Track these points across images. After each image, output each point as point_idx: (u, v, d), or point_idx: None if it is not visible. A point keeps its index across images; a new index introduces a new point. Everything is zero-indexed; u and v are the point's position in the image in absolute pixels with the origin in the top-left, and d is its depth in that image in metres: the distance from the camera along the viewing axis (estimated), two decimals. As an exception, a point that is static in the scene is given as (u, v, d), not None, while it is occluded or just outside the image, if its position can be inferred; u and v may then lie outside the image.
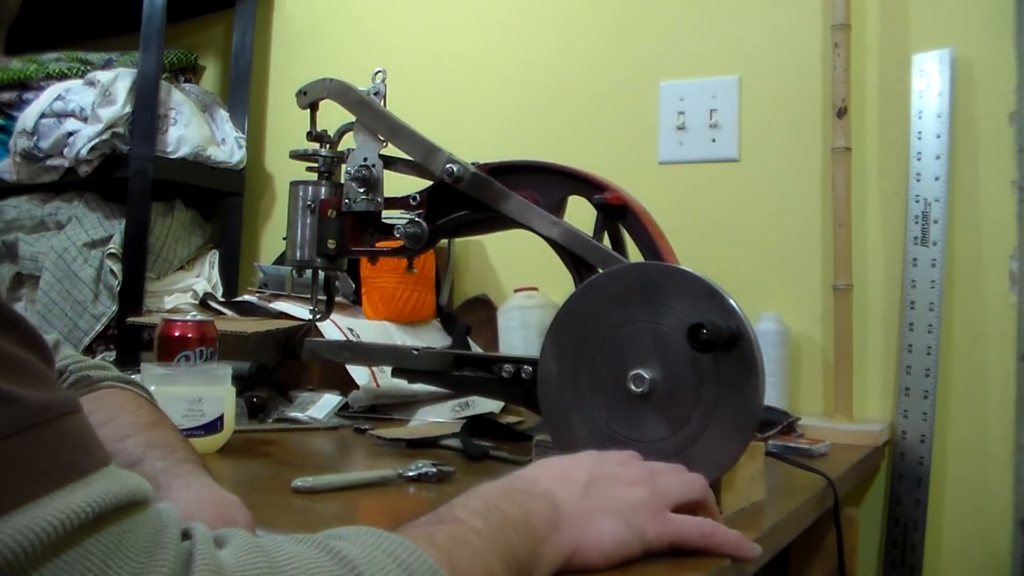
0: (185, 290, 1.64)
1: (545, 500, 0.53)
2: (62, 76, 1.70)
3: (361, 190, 0.88)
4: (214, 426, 0.92)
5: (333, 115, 0.92)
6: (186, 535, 0.36)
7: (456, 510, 0.49)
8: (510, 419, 1.19)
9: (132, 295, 1.53)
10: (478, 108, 1.58)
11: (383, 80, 0.90)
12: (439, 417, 1.19)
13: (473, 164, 0.86)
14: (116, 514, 0.33)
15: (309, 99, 0.92)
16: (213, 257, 1.74)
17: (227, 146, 1.72)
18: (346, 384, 1.21)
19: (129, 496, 0.34)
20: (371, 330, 1.33)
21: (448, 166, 0.85)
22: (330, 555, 0.39)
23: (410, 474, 0.82)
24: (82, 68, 1.71)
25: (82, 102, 1.56)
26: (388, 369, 0.96)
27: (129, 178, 1.53)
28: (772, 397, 1.17)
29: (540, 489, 0.54)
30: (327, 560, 0.39)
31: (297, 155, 0.92)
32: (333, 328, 1.25)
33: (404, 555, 0.41)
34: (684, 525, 0.57)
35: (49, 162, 1.61)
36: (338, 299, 1.26)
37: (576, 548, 0.52)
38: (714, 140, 1.38)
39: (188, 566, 0.34)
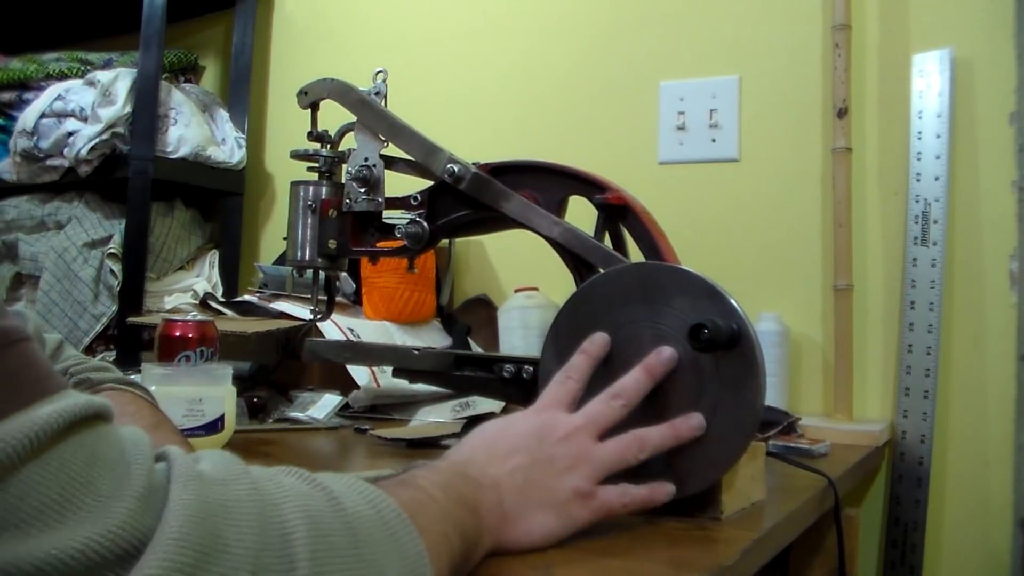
0: (185, 290, 1.64)
1: (493, 493, 0.55)
2: (62, 76, 1.70)
3: (362, 190, 0.88)
4: (214, 426, 0.91)
5: (334, 115, 0.92)
6: (160, 456, 0.36)
7: (417, 478, 0.50)
8: (510, 419, 1.19)
9: (132, 295, 1.53)
10: (478, 108, 1.58)
11: (384, 80, 0.90)
12: (439, 417, 1.19)
13: (474, 164, 0.86)
14: (86, 424, 0.33)
15: (310, 99, 0.92)
16: (213, 257, 1.74)
17: (227, 146, 1.72)
18: (346, 384, 1.21)
19: (95, 410, 0.34)
20: (371, 330, 1.33)
21: (449, 166, 0.85)
22: (307, 481, 0.40)
23: (410, 474, 0.82)
24: (82, 68, 1.71)
25: (82, 102, 1.56)
26: (388, 369, 0.96)
27: (129, 178, 1.53)
28: (772, 397, 1.17)
29: (489, 478, 0.56)
30: (304, 484, 0.40)
31: (298, 155, 0.92)
32: (333, 328, 1.25)
33: (374, 497, 0.42)
34: (609, 501, 0.60)
35: (49, 162, 1.61)
36: (338, 299, 1.26)
37: (511, 540, 0.56)
38: (714, 140, 1.38)
39: (168, 472, 0.35)
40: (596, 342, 0.67)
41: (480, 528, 0.52)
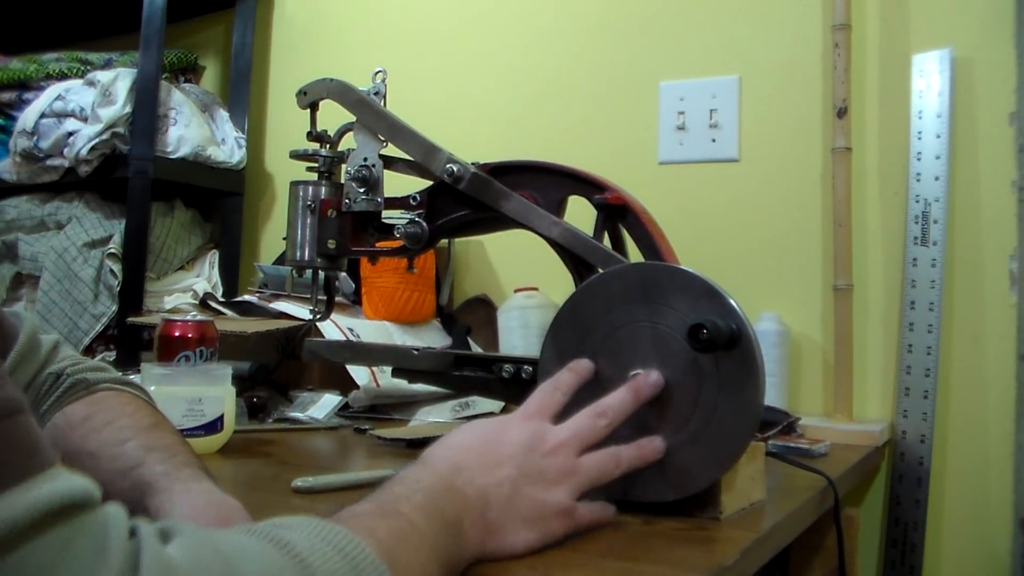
0: (185, 290, 1.64)
1: (477, 506, 0.55)
2: (62, 76, 1.70)
3: (361, 190, 0.88)
4: (214, 426, 0.92)
5: (333, 115, 0.92)
6: (132, 532, 0.35)
7: (399, 502, 0.50)
8: (510, 419, 1.19)
9: (132, 295, 1.53)
10: (478, 108, 1.58)
11: (383, 80, 0.90)
12: (439, 417, 1.19)
13: (473, 164, 0.86)
14: (61, 517, 0.32)
15: (309, 99, 0.92)
16: (213, 257, 1.74)
17: (227, 146, 1.72)
18: (346, 384, 1.21)
19: (73, 498, 0.33)
20: (371, 330, 1.33)
21: (448, 166, 0.85)
22: (278, 546, 0.39)
23: (410, 474, 0.82)
24: (82, 68, 1.71)
25: (82, 102, 1.56)
26: (388, 369, 0.96)
27: (129, 178, 1.53)
28: (772, 397, 1.17)
29: (476, 489, 0.56)
30: (275, 552, 0.39)
31: (297, 155, 0.92)
32: (333, 328, 1.25)
33: (349, 547, 0.42)
34: (584, 518, 0.61)
35: (49, 162, 1.61)
36: (338, 299, 1.26)
37: (491, 550, 0.56)
38: (714, 140, 1.38)
39: (136, 569, 0.33)
40: (582, 366, 0.69)
41: (462, 547, 0.53)
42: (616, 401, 0.65)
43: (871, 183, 1.27)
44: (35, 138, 1.60)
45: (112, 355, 1.52)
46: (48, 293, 1.56)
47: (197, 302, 1.51)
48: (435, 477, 0.55)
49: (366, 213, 0.89)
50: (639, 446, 0.65)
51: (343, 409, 1.21)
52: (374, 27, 1.71)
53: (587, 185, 0.82)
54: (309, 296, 0.96)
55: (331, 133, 0.92)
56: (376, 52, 1.69)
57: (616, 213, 0.81)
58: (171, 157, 1.60)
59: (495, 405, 1.18)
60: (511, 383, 0.82)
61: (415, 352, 0.89)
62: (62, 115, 1.58)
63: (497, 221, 0.86)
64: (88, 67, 1.70)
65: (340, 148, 0.93)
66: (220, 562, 0.36)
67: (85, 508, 0.34)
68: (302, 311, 1.30)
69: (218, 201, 1.77)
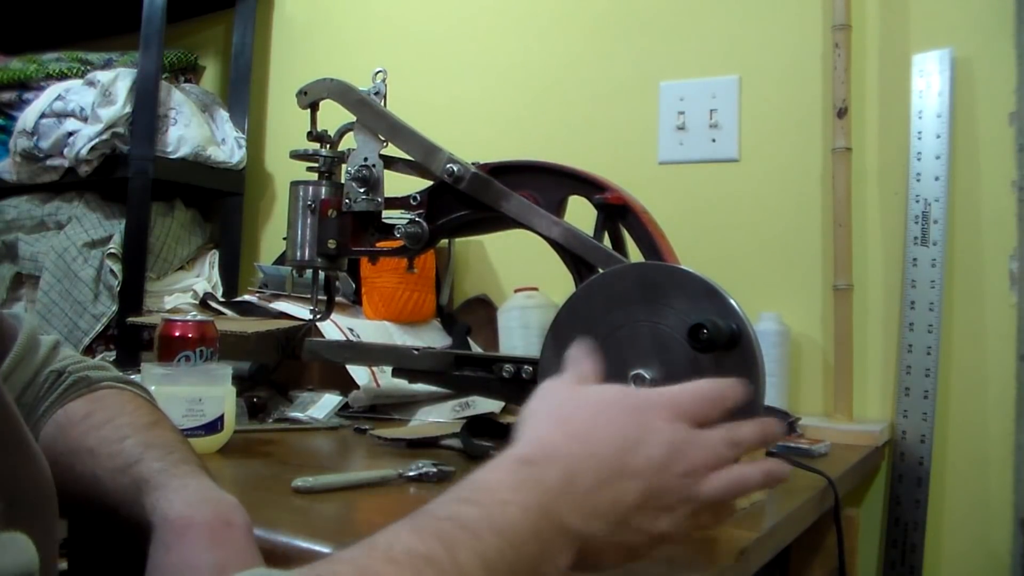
0: (185, 290, 1.64)
1: (571, 543, 0.46)
2: (62, 76, 1.70)
3: (361, 190, 0.88)
4: (214, 426, 0.92)
5: (333, 115, 0.92)
6: None
7: (458, 543, 0.41)
8: (510, 419, 1.19)
9: (132, 295, 1.53)
10: (478, 108, 1.58)
11: (383, 80, 0.90)
12: (439, 417, 1.19)
13: (473, 164, 0.86)
14: None
15: (309, 99, 0.92)
16: (213, 257, 1.74)
17: (227, 146, 1.72)
18: (346, 384, 1.21)
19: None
20: (371, 330, 1.33)
21: (448, 166, 0.85)
22: None
23: (410, 474, 0.82)
24: (82, 68, 1.71)
25: (82, 102, 1.56)
26: (388, 369, 0.96)
27: (129, 178, 1.53)
28: (772, 397, 1.17)
29: (580, 517, 0.47)
30: None
31: (297, 155, 0.93)
32: (333, 328, 1.25)
33: None
34: (674, 539, 0.53)
35: (49, 162, 1.61)
36: (338, 299, 1.26)
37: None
38: (714, 140, 1.38)
39: None
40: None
41: None
42: (748, 436, 0.55)
43: (871, 183, 1.27)
44: (35, 138, 1.60)
45: (112, 355, 1.52)
46: (48, 293, 1.56)
47: (197, 302, 1.51)
48: (537, 498, 0.46)
49: (366, 213, 0.89)
50: (767, 471, 0.54)
51: (343, 409, 1.21)
52: (374, 27, 1.71)
53: (587, 185, 0.82)
54: (309, 296, 0.97)
55: (331, 133, 0.93)
56: (376, 52, 1.69)
57: (616, 213, 0.81)
58: (171, 157, 1.60)
59: (495, 405, 1.18)
60: (511, 383, 0.82)
61: (415, 352, 0.89)
62: (62, 115, 1.58)
63: (497, 221, 0.86)
64: (88, 67, 1.70)
65: (340, 148, 0.93)
66: None
67: None
68: (302, 311, 1.30)
69: (218, 201, 1.77)
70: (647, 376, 0.67)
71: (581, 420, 0.51)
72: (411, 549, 0.40)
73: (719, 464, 0.52)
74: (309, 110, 0.93)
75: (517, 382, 0.81)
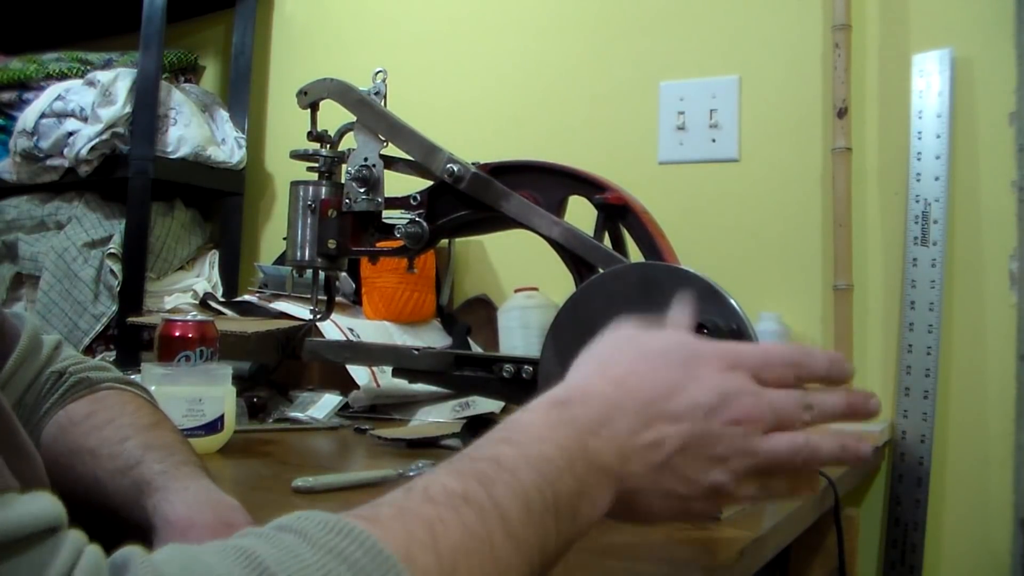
0: (185, 290, 1.64)
1: (611, 477, 0.45)
2: (62, 76, 1.70)
3: (361, 190, 0.88)
4: (214, 426, 0.92)
5: (333, 115, 0.92)
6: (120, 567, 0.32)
7: (495, 481, 0.40)
8: (510, 419, 1.19)
9: (132, 295, 1.53)
10: (478, 108, 1.58)
11: (383, 80, 0.90)
12: (439, 417, 1.19)
13: (473, 164, 0.86)
14: (11, 551, 0.30)
15: (309, 99, 0.92)
16: (213, 257, 1.74)
17: (227, 146, 1.72)
18: (346, 384, 1.21)
19: (18, 530, 0.30)
20: (371, 330, 1.33)
21: (448, 166, 0.85)
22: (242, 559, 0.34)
23: (410, 474, 0.82)
24: (82, 68, 1.71)
25: (82, 102, 1.56)
26: (388, 369, 0.96)
27: (129, 178, 1.53)
28: (772, 397, 1.17)
29: (616, 455, 0.45)
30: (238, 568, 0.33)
31: (297, 155, 0.93)
32: (333, 328, 1.25)
33: (354, 553, 0.34)
34: (741, 499, 0.50)
35: (49, 162, 1.61)
36: (338, 299, 1.26)
37: (605, 519, 0.46)
38: (714, 140, 1.38)
39: None
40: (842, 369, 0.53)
41: (570, 530, 0.43)
42: (828, 401, 0.51)
43: (871, 183, 1.27)
44: (35, 138, 1.60)
45: (112, 355, 1.52)
46: (48, 293, 1.56)
47: (197, 302, 1.51)
48: (570, 435, 0.45)
49: (366, 213, 0.89)
50: (843, 445, 0.50)
51: (343, 409, 1.21)
52: (374, 27, 1.71)
53: (587, 185, 0.82)
54: (309, 296, 0.96)
55: (331, 133, 0.93)
56: (376, 52, 1.69)
57: (616, 213, 0.81)
58: (171, 157, 1.60)
59: (495, 405, 1.19)
60: (511, 383, 0.82)
61: (415, 352, 0.89)
62: (62, 115, 1.58)
63: (497, 221, 0.86)
64: (88, 67, 1.70)
65: (340, 148, 0.93)
66: None
67: (34, 540, 0.31)
68: (302, 311, 1.30)
69: (218, 201, 1.77)
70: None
71: (622, 365, 0.50)
72: (448, 488, 0.40)
73: (785, 423, 0.49)
74: (309, 110, 0.93)
75: (517, 382, 0.81)
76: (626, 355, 0.51)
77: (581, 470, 0.44)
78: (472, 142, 1.40)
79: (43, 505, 0.32)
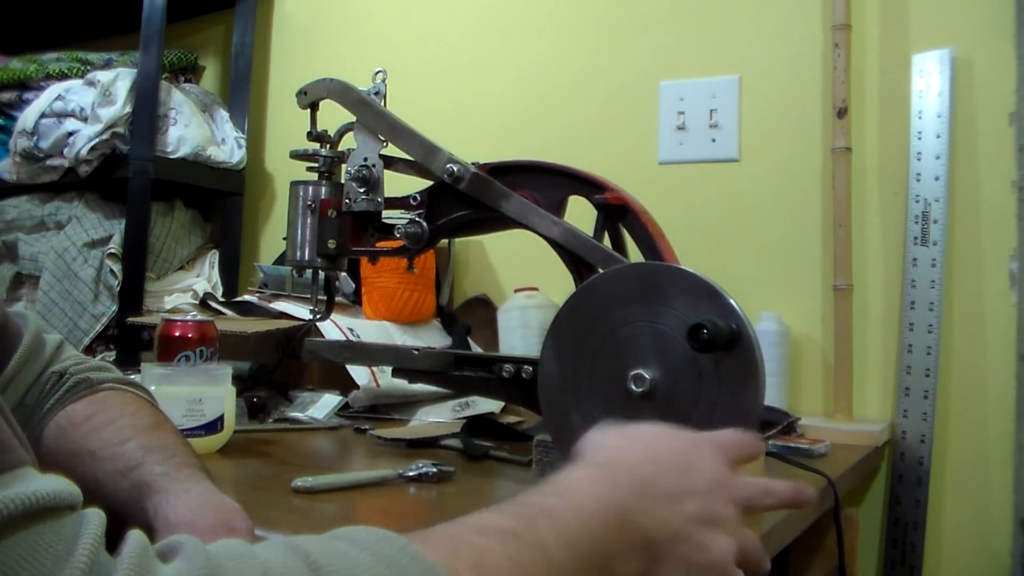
0: (185, 290, 1.64)
1: (645, 541, 0.48)
2: (62, 76, 1.70)
3: (361, 190, 0.88)
4: (214, 426, 0.92)
5: (333, 115, 0.92)
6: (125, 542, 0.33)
7: (545, 527, 0.43)
8: (510, 419, 1.19)
9: (132, 295, 1.53)
10: (478, 108, 1.58)
11: (383, 80, 0.90)
12: (439, 417, 1.19)
13: (473, 164, 0.86)
14: (26, 521, 0.30)
15: (309, 99, 0.92)
16: (213, 257, 1.74)
17: (227, 146, 1.72)
18: (346, 384, 1.21)
19: (41, 502, 0.31)
20: (371, 330, 1.33)
21: (448, 166, 0.85)
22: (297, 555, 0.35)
23: (410, 474, 0.82)
24: (82, 68, 1.71)
25: (82, 102, 1.56)
26: (388, 369, 0.96)
27: (129, 178, 1.53)
28: (772, 397, 1.17)
29: (652, 519, 0.49)
30: (296, 562, 0.35)
31: (297, 155, 0.93)
32: (333, 328, 1.25)
33: (401, 560, 0.36)
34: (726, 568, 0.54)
35: (49, 162, 1.61)
36: (338, 299, 1.26)
37: None
38: (714, 140, 1.38)
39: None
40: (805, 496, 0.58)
41: None
42: (781, 491, 0.57)
43: (871, 183, 1.27)
44: (35, 138, 1.60)
45: (112, 355, 1.52)
46: (48, 293, 1.56)
47: (197, 302, 1.51)
48: (613, 496, 0.48)
49: (366, 213, 0.89)
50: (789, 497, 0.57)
51: (343, 409, 1.21)
52: (374, 27, 1.71)
53: (587, 185, 0.82)
54: (309, 296, 0.97)
55: (331, 133, 0.93)
56: (376, 52, 1.69)
57: (616, 213, 0.81)
58: (171, 157, 1.60)
59: (495, 405, 1.19)
60: (511, 383, 0.82)
61: (415, 352, 0.89)
62: (62, 115, 1.58)
63: (497, 221, 0.86)
64: (88, 67, 1.70)
65: (340, 148, 0.93)
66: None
67: (56, 512, 0.32)
68: (302, 311, 1.30)
69: (218, 201, 1.77)
70: (647, 376, 0.67)
71: (649, 442, 0.54)
72: (498, 523, 0.42)
73: (753, 507, 0.55)
74: (309, 110, 0.93)
75: (517, 382, 0.81)
76: (644, 437, 0.55)
77: (620, 529, 0.47)
78: (472, 142, 1.40)
79: (64, 484, 0.33)
